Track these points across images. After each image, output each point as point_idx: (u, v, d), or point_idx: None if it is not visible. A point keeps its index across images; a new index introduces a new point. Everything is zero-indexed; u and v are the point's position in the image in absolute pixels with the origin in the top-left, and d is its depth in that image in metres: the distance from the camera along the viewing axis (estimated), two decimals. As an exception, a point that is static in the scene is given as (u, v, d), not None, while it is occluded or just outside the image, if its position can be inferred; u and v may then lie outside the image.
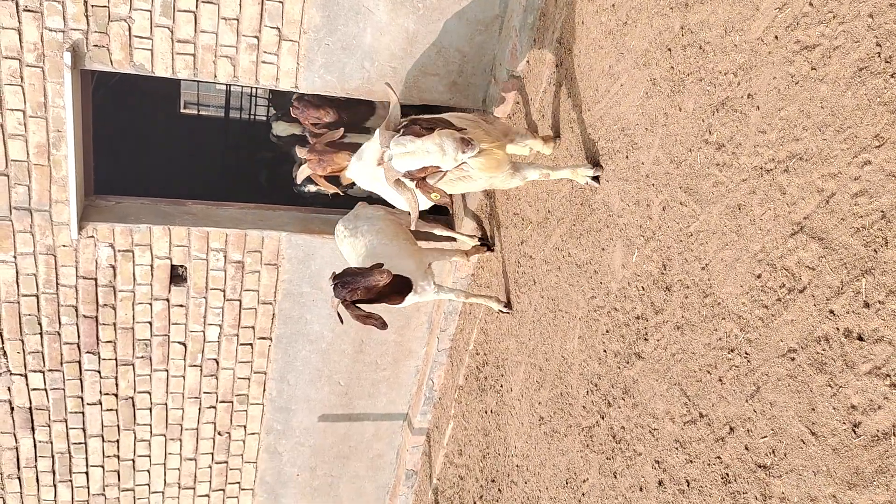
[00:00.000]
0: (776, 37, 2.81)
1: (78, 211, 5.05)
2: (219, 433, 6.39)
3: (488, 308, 5.33)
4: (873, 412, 2.28)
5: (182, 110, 11.55)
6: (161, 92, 10.12)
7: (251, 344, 5.98)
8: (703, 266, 3.14)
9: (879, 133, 2.33)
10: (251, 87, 10.52)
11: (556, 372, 4.39)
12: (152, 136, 10.04)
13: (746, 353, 2.85)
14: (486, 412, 5.48)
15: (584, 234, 4.12)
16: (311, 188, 6.50)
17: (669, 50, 3.46)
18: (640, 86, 3.65)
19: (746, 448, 2.80)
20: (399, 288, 4.50)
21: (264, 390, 6.27)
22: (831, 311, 2.47)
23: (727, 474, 2.90)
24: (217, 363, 6.00)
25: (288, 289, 5.79)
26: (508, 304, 5.09)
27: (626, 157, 3.74)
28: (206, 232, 5.37)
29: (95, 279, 5.36)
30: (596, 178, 3.94)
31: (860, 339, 2.35)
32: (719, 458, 2.95)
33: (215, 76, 4.77)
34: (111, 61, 4.62)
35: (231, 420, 6.35)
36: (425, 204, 4.00)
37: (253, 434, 6.50)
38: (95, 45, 4.56)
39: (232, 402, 6.26)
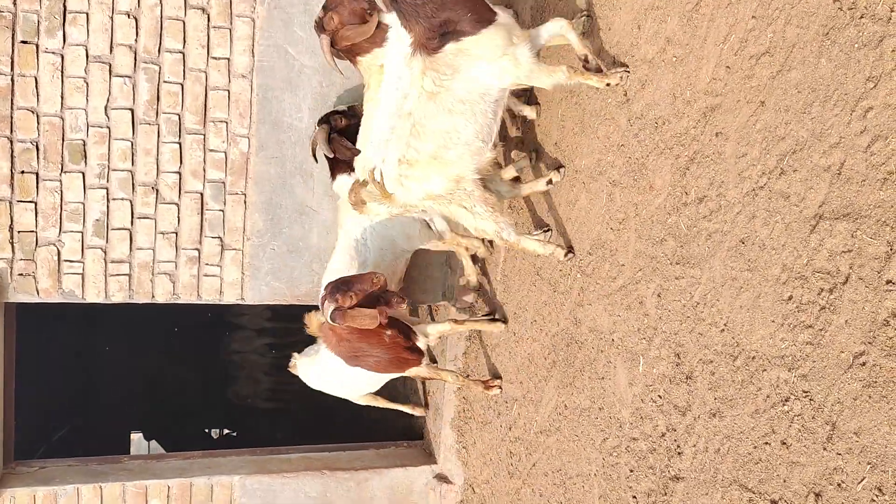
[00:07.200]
0: (728, 67, 2.74)
1: (-8, 479, 4.30)
2: None
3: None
4: None
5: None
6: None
7: None
8: (721, 328, 2.70)
9: (871, 75, 2.15)
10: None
11: (581, 559, 3.56)
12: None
13: (806, 392, 2.31)
14: None
15: (577, 376, 3.62)
16: None
17: (622, 146, 3.36)
18: (601, 194, 3.48)
19: (847, 505, 2.14)
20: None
21: None
22: (888, 282, 2.05)
23: (835, 555, 2.18)
24: None
25: (245, 554, 4.85)
26: None
27: (608, 269, 3.43)
28: (145, 486, 4.58)
29: (7, 566, 4.39)
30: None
31: (939, 287, 1.92)
32: (817, 538, 2.24)
33: (153, 296, 4.44)
34: (37, 290, 4.27)
35: None
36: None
37: None
38: (21, 274, 4.24)
39: None
